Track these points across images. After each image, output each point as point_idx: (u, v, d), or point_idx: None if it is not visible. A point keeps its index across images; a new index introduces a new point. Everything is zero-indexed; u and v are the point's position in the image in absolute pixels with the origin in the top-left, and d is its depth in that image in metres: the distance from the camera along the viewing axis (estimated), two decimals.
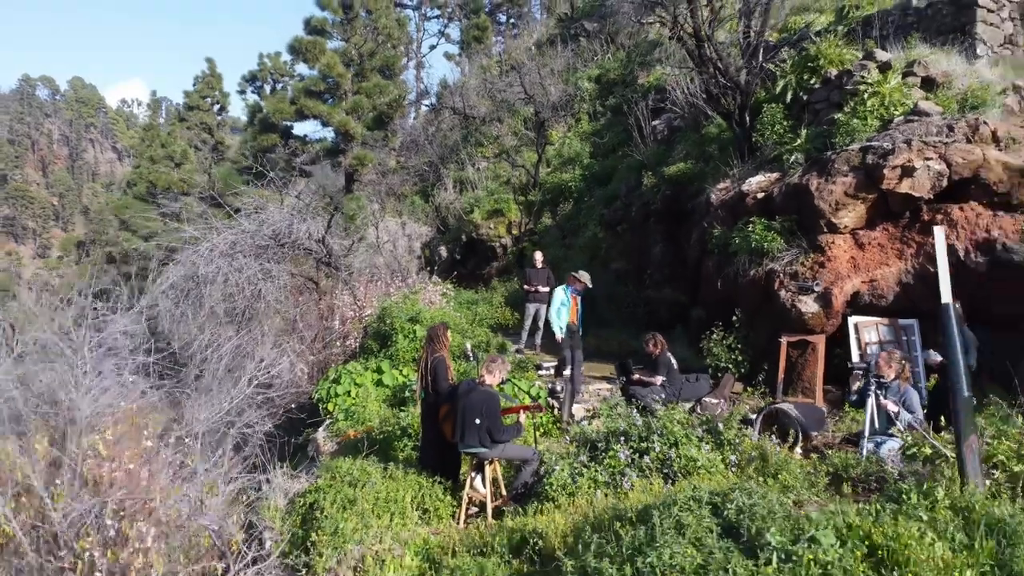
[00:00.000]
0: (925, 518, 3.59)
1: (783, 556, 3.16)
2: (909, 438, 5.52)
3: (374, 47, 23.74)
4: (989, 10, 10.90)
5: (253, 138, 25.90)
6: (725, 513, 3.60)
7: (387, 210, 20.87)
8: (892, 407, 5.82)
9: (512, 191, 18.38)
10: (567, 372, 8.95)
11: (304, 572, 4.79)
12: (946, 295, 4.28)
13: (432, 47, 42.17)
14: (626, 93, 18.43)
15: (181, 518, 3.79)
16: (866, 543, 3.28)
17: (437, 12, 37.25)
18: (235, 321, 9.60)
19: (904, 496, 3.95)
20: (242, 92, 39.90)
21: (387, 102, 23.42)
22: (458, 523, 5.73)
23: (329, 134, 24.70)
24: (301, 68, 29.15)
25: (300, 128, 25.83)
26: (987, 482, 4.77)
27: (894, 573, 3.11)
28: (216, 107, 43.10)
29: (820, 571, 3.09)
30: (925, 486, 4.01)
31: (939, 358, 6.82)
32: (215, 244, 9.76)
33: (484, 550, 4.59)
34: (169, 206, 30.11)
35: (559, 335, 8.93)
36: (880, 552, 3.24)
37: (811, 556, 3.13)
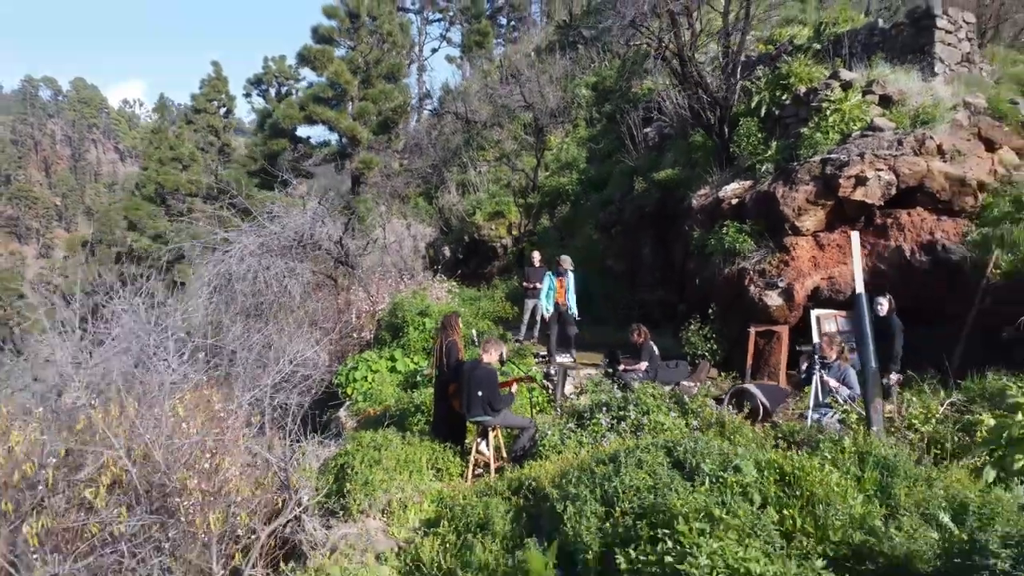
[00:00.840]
0: (830, 457, 4.66)
1: (714, 480, 4.22)
2: (845, 407, 6.59)
3: (380, 54, 24.64)
4: (947, 31, 11.84)
5: (263, 142, 26.82)
6: (676, 454, 4.66)
7: (392, 212, 21.83)
8: (833, 383, 6.88)
9: (512, 194, 19.24)
10: (560, 360, 10.03)
11: (341, 514, 5.85)
12: (859, 287, 5.34)
13: (434, 50, 42.80)
14: (620, 101, 19.38)
15: (255, 457, 4.83)
16: (779, 472, 4.34)
17: (439, 16, 38.18)
18: (263, 313, 10.69)
19: (821, 444, 5.02)
20: (247, 95, 40.91)
21: (392, 108, 24.31)
22: (466, 480, 6.80)
23: (335, 138, 25.64)
24: (306, 72, 30.08)
25: (307, 132, 26.58)
26: (906, 440, 5.87)
27: (797, 491, 4.17)
28: (222, 110, 44.14)
29: (741, 490, 4.15)
30: (838, 437, 5.07)
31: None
32: (246, 245, 10.86)
33: (489, 494, 5.64)
34: (177, 207, 31.04)
35: (546, 315, 10.51)
36: (788, 478, 4.30)
37: (734, 479, 4.19)
